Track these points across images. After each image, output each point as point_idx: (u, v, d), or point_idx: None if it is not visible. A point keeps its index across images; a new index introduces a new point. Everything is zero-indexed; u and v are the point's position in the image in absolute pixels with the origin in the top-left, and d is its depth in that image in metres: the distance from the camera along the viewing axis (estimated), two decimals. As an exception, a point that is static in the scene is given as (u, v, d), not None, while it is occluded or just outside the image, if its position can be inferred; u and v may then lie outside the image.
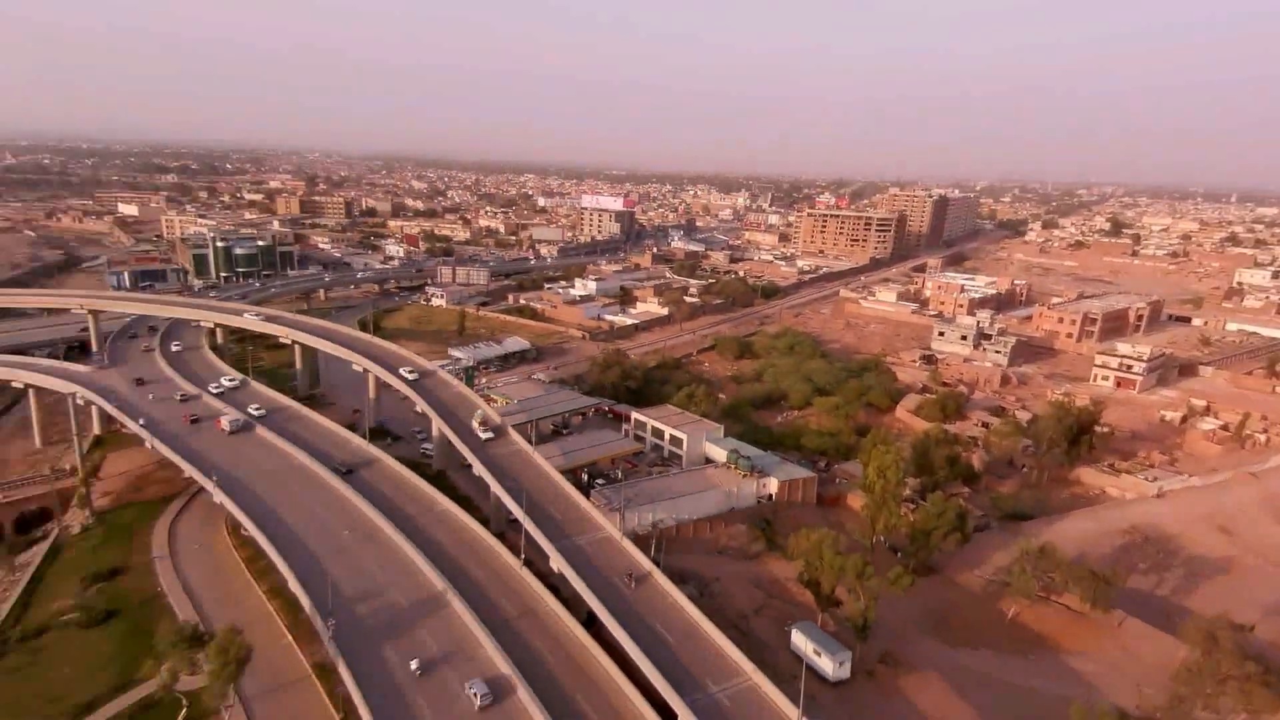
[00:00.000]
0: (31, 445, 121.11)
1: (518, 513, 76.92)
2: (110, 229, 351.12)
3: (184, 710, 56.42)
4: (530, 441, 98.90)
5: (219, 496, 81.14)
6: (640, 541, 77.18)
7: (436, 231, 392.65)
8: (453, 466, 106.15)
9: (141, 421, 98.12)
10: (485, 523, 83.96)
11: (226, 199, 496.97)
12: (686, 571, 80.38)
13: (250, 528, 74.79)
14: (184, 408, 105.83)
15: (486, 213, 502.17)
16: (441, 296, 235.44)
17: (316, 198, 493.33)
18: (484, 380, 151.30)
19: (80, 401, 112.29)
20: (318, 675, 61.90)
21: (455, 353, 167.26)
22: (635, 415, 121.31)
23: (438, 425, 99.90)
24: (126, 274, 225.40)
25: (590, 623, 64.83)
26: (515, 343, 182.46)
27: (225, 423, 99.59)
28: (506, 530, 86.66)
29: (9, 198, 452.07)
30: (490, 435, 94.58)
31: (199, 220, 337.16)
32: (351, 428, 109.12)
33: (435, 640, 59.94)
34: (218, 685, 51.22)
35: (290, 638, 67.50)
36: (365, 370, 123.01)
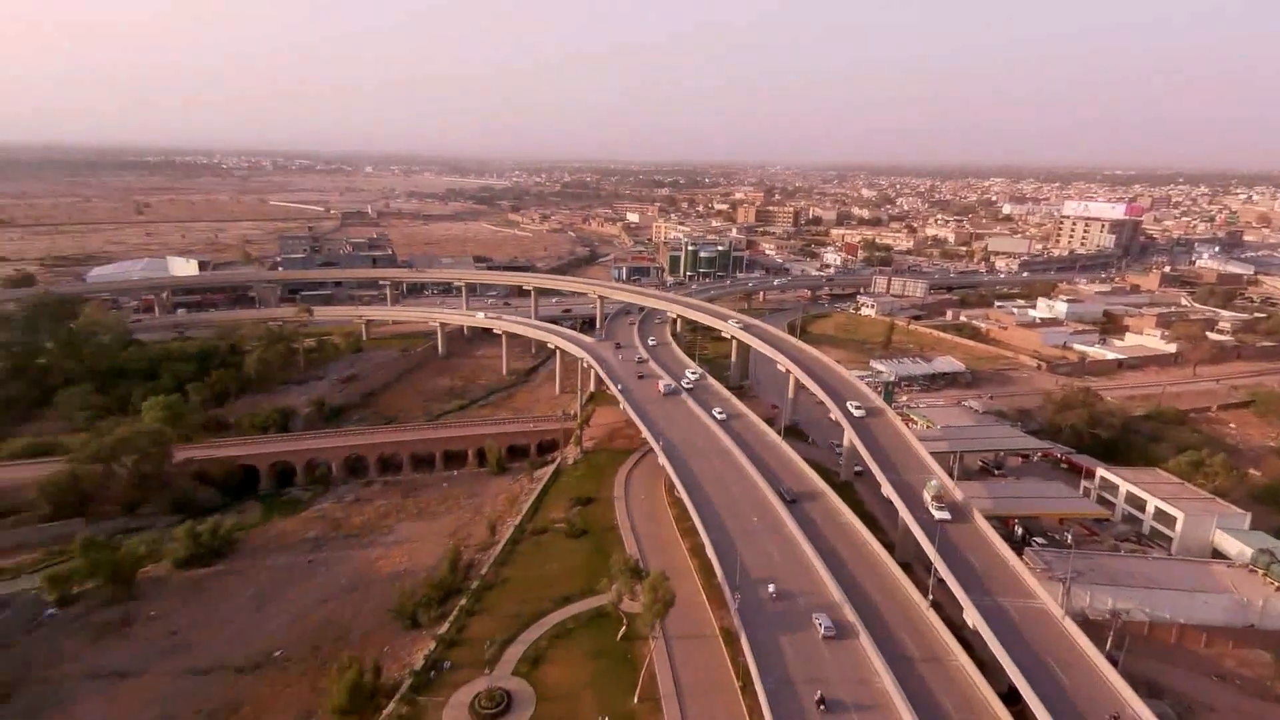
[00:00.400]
0: (553, 391, 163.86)
1: (930, 551, 70.65)
2: (619, 232, 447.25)
3: (623, 628, 68.65)
4: (952, 477, 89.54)
5: (663, 459, 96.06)
6: (1090, 627, 62.70)
7: (878, 240, 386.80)
8: (857, 478, 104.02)
9: (620, 388, 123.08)
10: (889, 547, 79.80)
11: (701, 209, 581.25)
12: (1160, 685, 62.60)
13: (683, 495, 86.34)
14: (650, 384, 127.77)
15: (936, 221, 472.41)
16: (871, 306, 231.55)
17: (770, 207, 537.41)
18: (904, 398, 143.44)
19: (584, 365, 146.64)
20: (724, 639, 67.90)
21: (877, 365, 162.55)
22: (1103, 473, 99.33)
23: (886, 489, 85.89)
24: (624, 268, 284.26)
25: (1010, 699, 55.51)
26: (947, 363, 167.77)
27: (660, 386, 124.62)
28: (913, 562, 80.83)
29: (563, 206, 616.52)
30: (946, 516, 76.78)
31: (678, 227, 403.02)
32: (770, 421, 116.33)
33: (836, 664, 59.24)
34: (649, 616, 60.67)
35: (704, 596, 75.65)
36: (787, 370, 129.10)
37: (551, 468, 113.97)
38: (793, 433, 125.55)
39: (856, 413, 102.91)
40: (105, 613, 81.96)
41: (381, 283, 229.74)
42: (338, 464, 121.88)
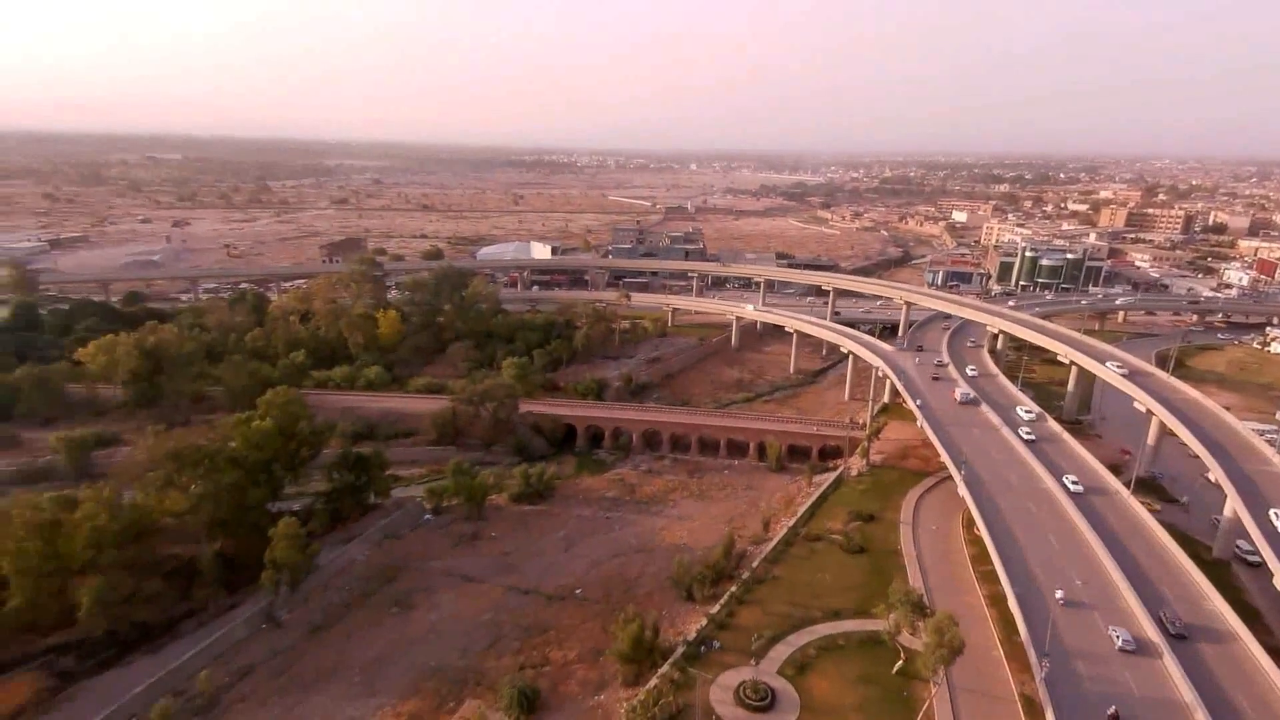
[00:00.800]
0: (841, 396, 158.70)
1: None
2: (941, 233, 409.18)
3: (900, 662, 64.96)
4: None
5: (963, 490, 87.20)
6: None
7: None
8: (1239, 562, 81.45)
9: (919, 403, 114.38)
10: (1276, 653, 61.34)
11: (1049, 209, 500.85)
12: None
13: (985, 534, 77.60)
14: (961, 409, 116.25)
15: None
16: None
17: (1150, 210, 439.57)
18: None
19: (879, 374, 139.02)
20: (1024, 706, 60.31)
21: None
22: None
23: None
24: (941, 272, 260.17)
25: None
26: None
27: (957, 394, 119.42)
28: None
29: (879, 204, 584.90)
30: None
31: (1016, 229, 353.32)
32: (1115, 470, 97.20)
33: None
34: (932, 659, 56.63)
35: (1001, 653, 67.52)
36: (1148, 411, 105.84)
37: (833, 475, 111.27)
38: (1149, 488, 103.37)
39: (1237, 469, 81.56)
40: (463, 526, 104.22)
41: (690, 274, 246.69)
42: (637, 435, 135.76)
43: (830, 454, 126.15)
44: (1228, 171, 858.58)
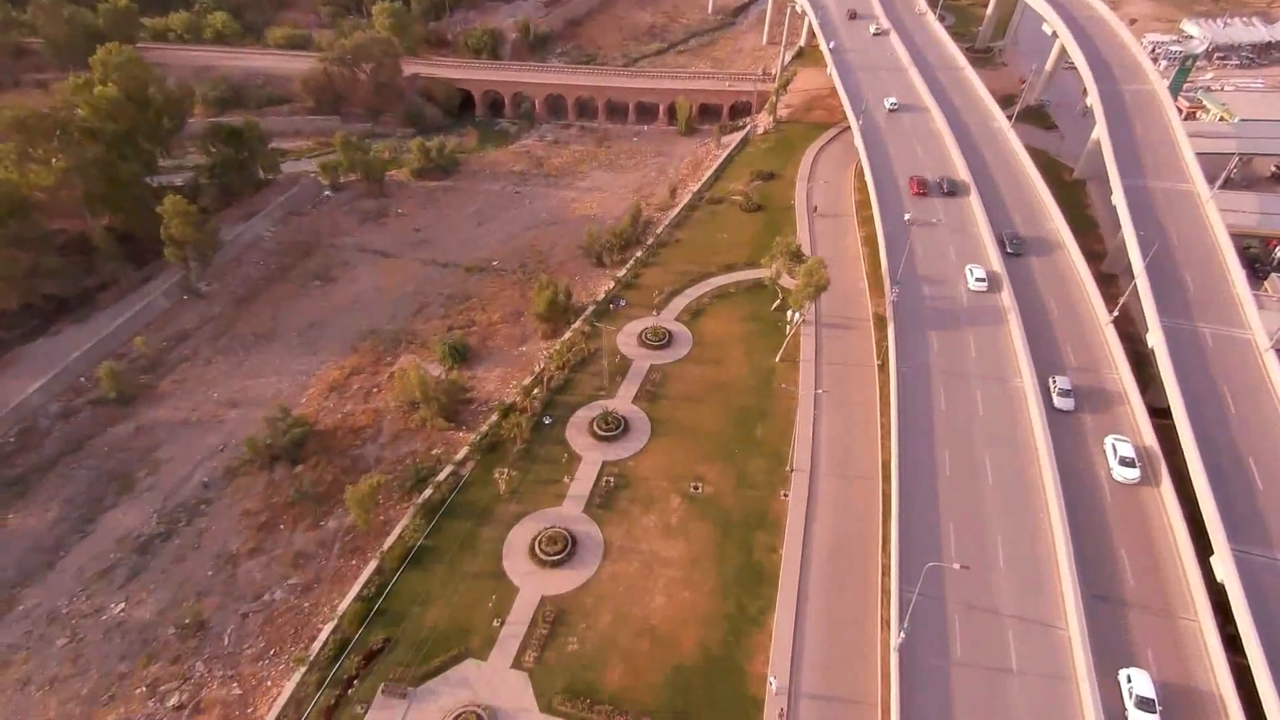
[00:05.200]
0: (759, 41, 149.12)
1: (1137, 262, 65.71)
2: None
3: (778, 300, 75.09)
4: (1225, 183, 76.91)
5: (858, 141, 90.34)
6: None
7: None
8: (1096, 179, 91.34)
9: (832, 45, 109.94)
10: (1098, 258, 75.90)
11: None
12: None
13: (869, 178, 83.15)
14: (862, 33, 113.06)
15: None
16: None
17: None
18: (1209, 75, 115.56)
19: (798, 8, 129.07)
20: (874, 324, 72.37)
21: (1190, 26, 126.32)
22: None
23: (1116, 195, 76.22)
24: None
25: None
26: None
27: (871, 27, 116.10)
28: (1120, 275, 76.86)
29: None
30: None
31: None
32: (1011, 99, 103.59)
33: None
34: (800, 296, 65.93)
35: (866, 284, 78.52)
36: (1053, 34, 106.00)
37: (740, 135, 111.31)
38: (1035, 116, 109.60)
39: (1115, 90, 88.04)
40: (365, 203, 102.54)
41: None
42: (540, 101, 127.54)
43: (741, 111, 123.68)
44: None
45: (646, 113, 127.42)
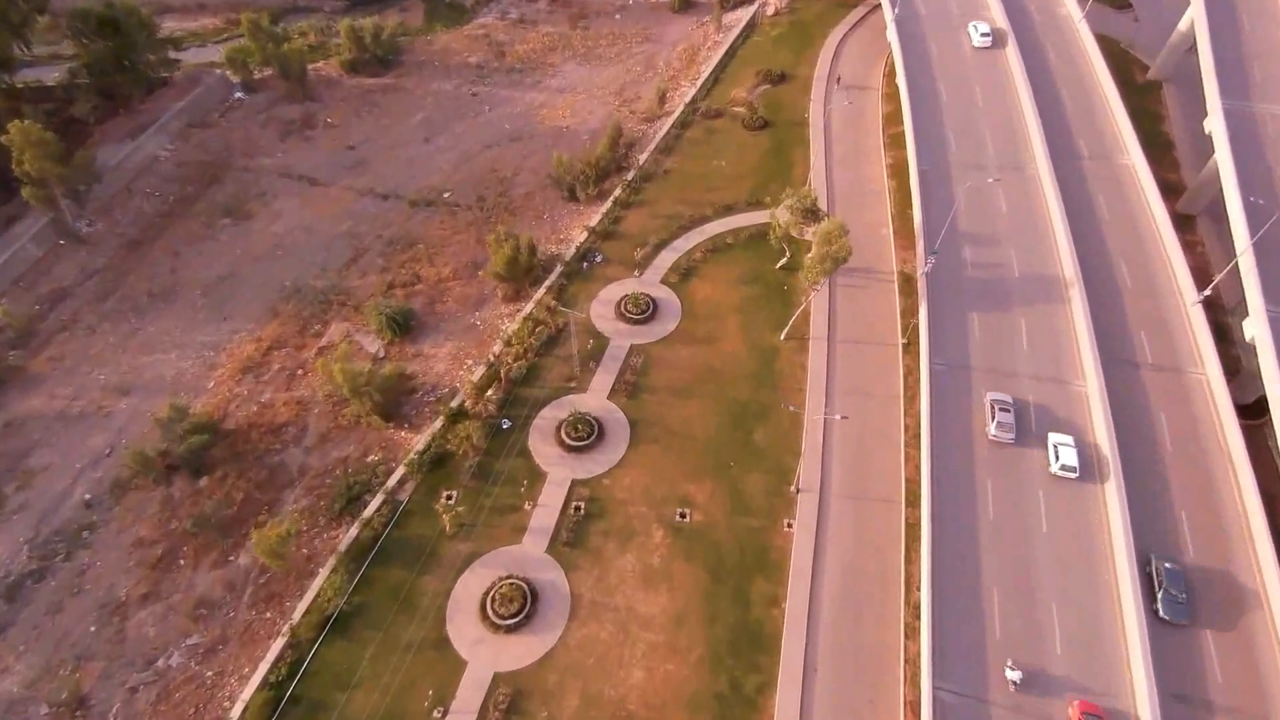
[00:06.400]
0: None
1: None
2: None
3: (786, 258, 61.67)
4: None
5: (891, 34, 72.67)
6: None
7: None
8: (1178, 81, 75.86)
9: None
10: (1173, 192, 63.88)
11: None
12: None
13: (902, 86, 67.00)
14: None
15: None
16: None
17: None
18: None
19: None
20: (900, 284, 59.96)
21: None
22: None
23: (1213, 116, 62.09)
24: None
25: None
26: None
27: None
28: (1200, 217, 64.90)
29: None
30: None
31: None
32: None
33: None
34: (814, 273, 52.92)
35: (891, 229, 64.64)
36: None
37: (745, 16, 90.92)
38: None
39: None
40: (288, 109, 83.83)
41: None
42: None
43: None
44: None
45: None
